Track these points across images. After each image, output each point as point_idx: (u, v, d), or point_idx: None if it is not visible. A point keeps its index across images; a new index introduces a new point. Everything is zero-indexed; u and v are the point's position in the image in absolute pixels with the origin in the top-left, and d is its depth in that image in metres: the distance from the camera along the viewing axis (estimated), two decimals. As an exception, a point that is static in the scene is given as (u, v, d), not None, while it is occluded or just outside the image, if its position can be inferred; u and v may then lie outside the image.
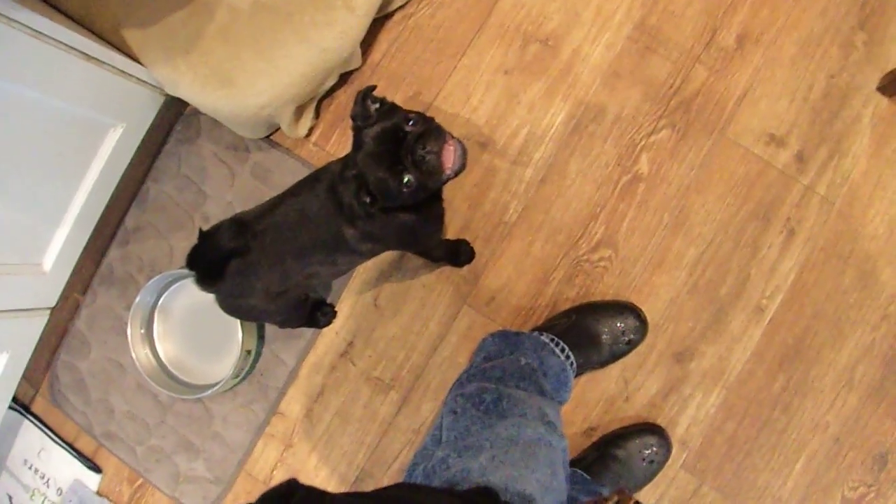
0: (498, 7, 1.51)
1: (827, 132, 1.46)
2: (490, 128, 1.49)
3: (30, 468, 1.63)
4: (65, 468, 1.60)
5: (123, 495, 1.59)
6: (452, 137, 1.03)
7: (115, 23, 1.37)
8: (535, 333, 1.37)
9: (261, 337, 1.53)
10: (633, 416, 1.46)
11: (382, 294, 1.51)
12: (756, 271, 1.45)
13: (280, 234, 1.13)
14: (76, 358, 1.60)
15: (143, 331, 1.53)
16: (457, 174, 1.04)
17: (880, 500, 1.45)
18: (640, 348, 1.44)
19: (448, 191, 1.27)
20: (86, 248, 1.53)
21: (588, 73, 1.49)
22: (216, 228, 1.14)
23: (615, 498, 1.35)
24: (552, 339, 1.34)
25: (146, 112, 1.50)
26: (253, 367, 1.53)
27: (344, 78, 1.52)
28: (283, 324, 1.45)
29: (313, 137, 1.54)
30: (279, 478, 1.53)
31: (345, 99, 1.54)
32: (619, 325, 1.40)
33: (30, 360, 1.53)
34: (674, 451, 1.43)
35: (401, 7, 1.52)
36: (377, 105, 1.05)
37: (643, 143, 1.47)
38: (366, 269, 1.50)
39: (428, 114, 1.05)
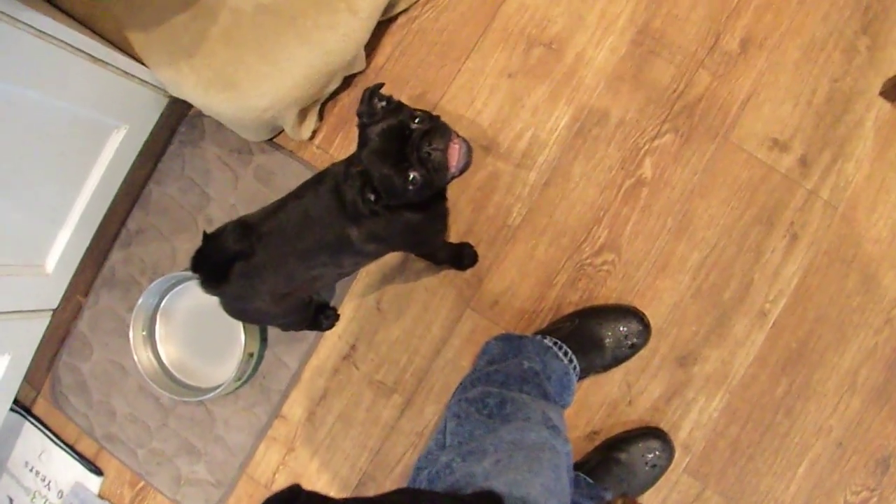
0: (502, 11, 1.51)
1: (830, 136, 1.46)
2: (494, 131, 1.49)
3: (31, 470, 1.62)
4: (66, 471, 1.60)
5: (125, 498, 1.58)
6: (458, 136, 1.03)
7: (119, 24, 1.37)
8: (539, 337, 1.37)
9: (263, 340, 1.53)
10: (636, 419, 1.46)
11: (385, 297, 1.51)
12: (759, 275, 1.45)
13: (284, 237, 1.13)
14: (78, 360, 1.60)
15: (145, 333, 1.52)
16: (462, 172, 1.04)
17: (883, 505, 1.45)
18: (643, 352, 1.44)
19: (452, 194, 1.27)
20: (88, 250, 1.53)
21: (592, 77, 1.49)
22: (220, 231, 1.13)
23: (619, 502, 1.36)
24: (555, 343, 1.34)
25: (150, 114, 1.50)
26: (255, 370, 1.52)
27: (348, 81, 1.52)
28: (286, 326, 1.45)
29: (317, 140, 1.54)
30: (281, 481, 1.53)
31: (348, 102, 1.54)
32: (622, 328, 1.40)
33: (31, 361, 1.53)
34: (677, 455, 1.43)
35: (405, 10, 1.52)
36: (384, 103, 1.05)
37: (647, 147, 1.47)
38: (369, 273, 1.50)
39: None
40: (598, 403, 1.46)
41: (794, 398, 1.45)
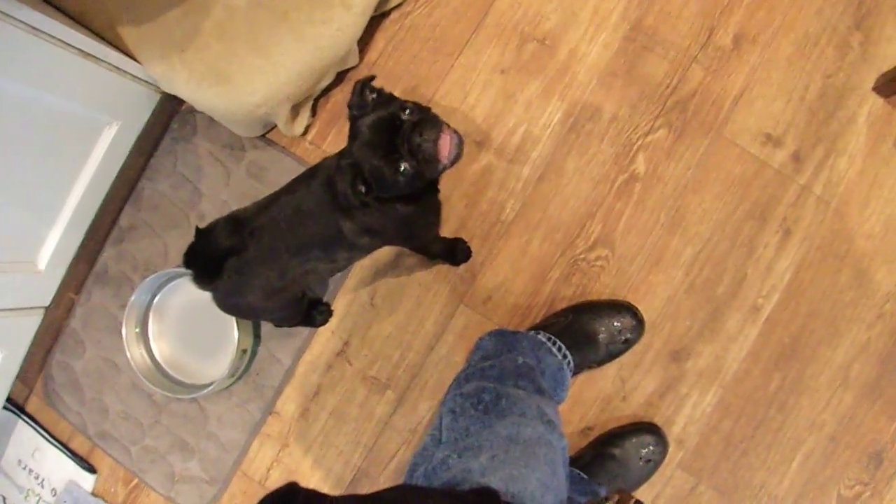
0: (495, 6, 1.51)
1: (823, 132, 1.46)
2: (487, 126, 1.49)
3: (24, 468, 1.61)
4: (59, 468, 1.59)
5: (118, 496, 1.58)
6: (448, 127, 1.02)
7: (111, 20, 1.36)
8: (532, 332, 1.37)
9: (256, 336, 1.53)
10: (630, 415, 1.46)
11: (378, 293, 1.50)
12: (752, 270, 1.46)
13: (277, 231, 1.12)
14: (71, 357, 1.59)
15: (137, 330, 1.52)
16: (453, 164, 1.03)
17: (876, 499, 1.45)
18: (637, 347, 1.44)
19: (445, 189, 1.27)
20: (80, 247, 1.53)
21: (585, 73, 1.49)
22: (213, 226, 1.13)
23: (616, 497, 1.36)
24: (549, 338, 1.34)
25: (142, 110, 1.50)
26: (248, 366, 1.52)
27: (341, 76, 1.52)
28: (279, 322, 1.45)
29: (309, 136, 1.54)
30: (275, 478, 1.52)
31: (341, 97, 1.54)
32: (615, 324, 1.40)
33: (24, 359, 1.52)
34: (670, 449, 1.43)
35: (398, 6, 1.52)
36: (374, 95, 1.04)
37: (640, 142, 1.47)
38: (362, 268, 1.50)
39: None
40: (592, 399, 1.46)
41: (787, 393, 1.45)
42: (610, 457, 1.39)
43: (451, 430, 1.08)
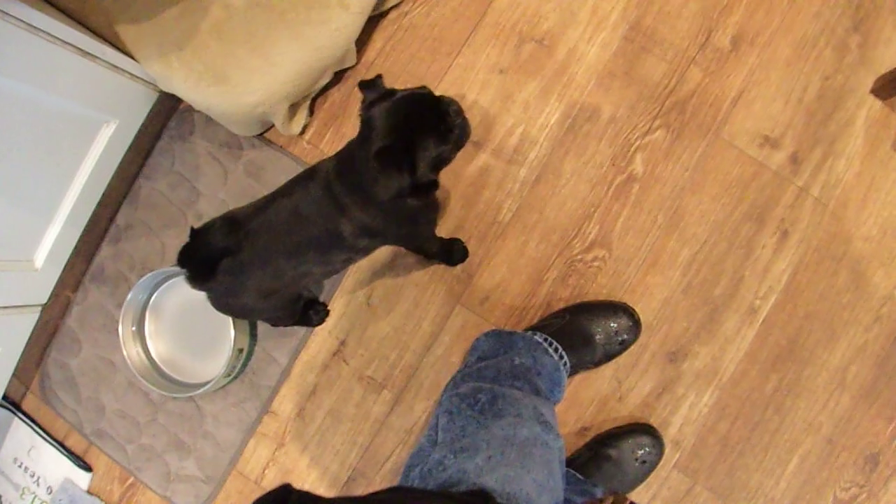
0: (493, 6, 1.51)
1: (821, 134, 1.46)
2: (485, 127, 1.49)
3: (20, 467, 1.61)
4: (55, 467, 1.59)
5: (114, 494, 1.58)
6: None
7: (109, 18, 1.36)
8: (529, 333, 1.37)
9: (253, 335, 1.52)
10: (627, 416, 1.46)
11: (375, 293, 1.50)
12: (750, 272, 1.46)
13: (273, 233, 1.12)
14: (67, 356, 1.59)
15: (134, 329, 1.52)
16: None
17: (872, 501, 1.45)
18: (634, 348, 1.44)
19: (442, 189, 1.26)
20: (77, 246, 1.52)
21: (583, 73, 1.49)
22: (208, 226, 1.13)
23: (610, 499, 1.36)
24: (545, 339, 1.34)
25: (139, 108, 1.50)
26: (245, 365, 1.52)
27: (339, 76, 1.52)
28: (275, 322, 1.45)
29: (307, 135, 1.54)
30: (271, 477, 1.52)
31: (339, 97, 1.53)
32: (612, 325, 1.40)
33: (20, 357, 1.52)
34: (667, 451, 1.43)
35: (396, 5, 1.52)
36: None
37: (638, 143, 1.47)
38: (359, 269, 1.50)
39: None
40: (588, 399, 1.46)
41: (783, 395, 1.45)
42: (606, 457, 1.39)
43: (447, 430, 1.08)
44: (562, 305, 1.46)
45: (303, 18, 1.34)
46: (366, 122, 1.05)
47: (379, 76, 1.08)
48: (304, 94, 1.45)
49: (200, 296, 1.21)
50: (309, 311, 1.47)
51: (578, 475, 1.37)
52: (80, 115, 1.36)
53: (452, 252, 1.46)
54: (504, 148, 1.49)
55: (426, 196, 1.12)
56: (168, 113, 1.57)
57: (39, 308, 1.52)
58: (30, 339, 1.52)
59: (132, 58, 1.38)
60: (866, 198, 1.46)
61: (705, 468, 1.45)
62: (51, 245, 1.45)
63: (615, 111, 1.48)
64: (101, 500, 1.58)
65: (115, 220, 1.58)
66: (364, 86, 1.08)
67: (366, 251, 1.24)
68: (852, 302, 1.46)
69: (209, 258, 1.12)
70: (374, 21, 1.51)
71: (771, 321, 1.46)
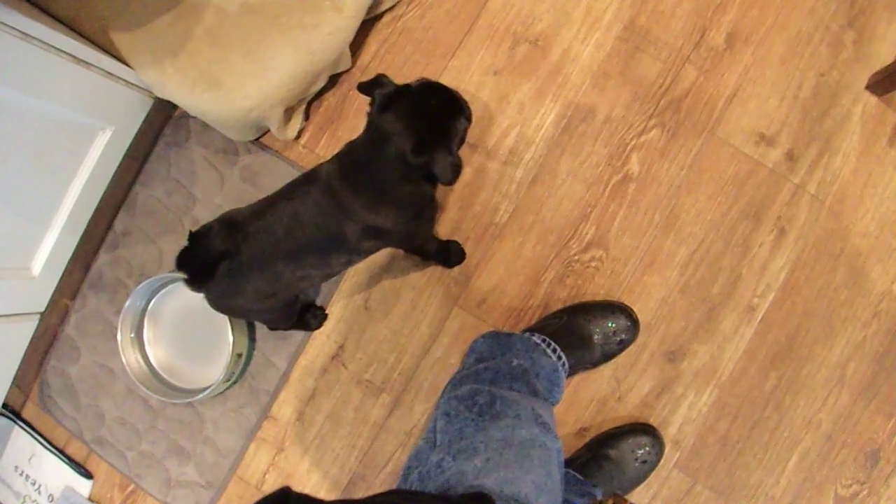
0: (487, 8, 1.51)
1: (817, 131, 1.46)
2: (480, 128, 1.49)
3: (21, 475, 1.61)
4: (56, 474, 1.59)
5: (115, 501, 1.58)
6: None
7: (103, 25, 1.36)
8: (527, 334, 1.37)
9: (252, 340, 1.52)
10: (626, 416, 1.46)
11: (373, 296, 1.50)
12: (747, 270, 1.46)
13: (272, 237, 1.12)
14: (66, 363, 1.59)
15: (132, 335, 1.52)
16: None
17: (873, 498, 1.45)
18: (632, 348, 1.44)
19: (438, 192, 1.26)
20: (75, 253, 1.52)
21: (578, 74, 1.49)
22: (206, 230, 1.13)
23: (610, 500, 1.36)
24: (544, 340, 1.34)
25: (135, 115, 1.50)
26: (244, 370, 1.52)
27: (333, 80, 1.52)
28: (272, 324, 1.45)
29: (303, 140, 1.54)
30: (271, 481, 1.52)
31: (334, 101, 1.54)
32: (610, 325, 1.40)
33: (19, 365, 1.52)
34: (666, 450, 1.43)
35: (390, 9, 1.52)
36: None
37: (633, 143, 1.47)
38: (356, 272, 1.50)
39: None
40: (587, 400, 1.46)
41: (783, 392, 1.45)
42: (606, 458, 1.39)
43: (445, 432, 1.08)
44: (560, 306, 1.46)
45: (296, 23, 1.35)
46: (384, 120, 1.07)
47: (380, 75, 1.10)
48: (299, 99, 1.45)
49: (199, 302, 1.21)
50: (307, 316, 1.47)
51: (578, 476, 1.37)
52: (76, 123, 1.36)
53: (449, 254, 1.46)
54: (500, 149, 1.49)
55: (434, 185, 1.17)
56: (164, 119, 1.57)
57: (38, 316, 1.52)
58: (28, 347, 1.52)
59: (127, 65, 1.38)
60: (863, 194, 1.46)
61: (705, 467, 1.45)
62: (48, 253, 1.44)
63: (610, 111, 1.48)
64: (102, 506, 1.58)
65: (112, 227, 1.58)
66: (367, 87, 1.10)
67: (367, 254, 1.25)
68: (850, 298, 1.46)
69: (207, 261, 1.12)
70: (368, 24, 1.51)
71: (769, 319, 1.45)
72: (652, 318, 1.46)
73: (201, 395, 1.44)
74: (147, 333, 1.54)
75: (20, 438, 1.61)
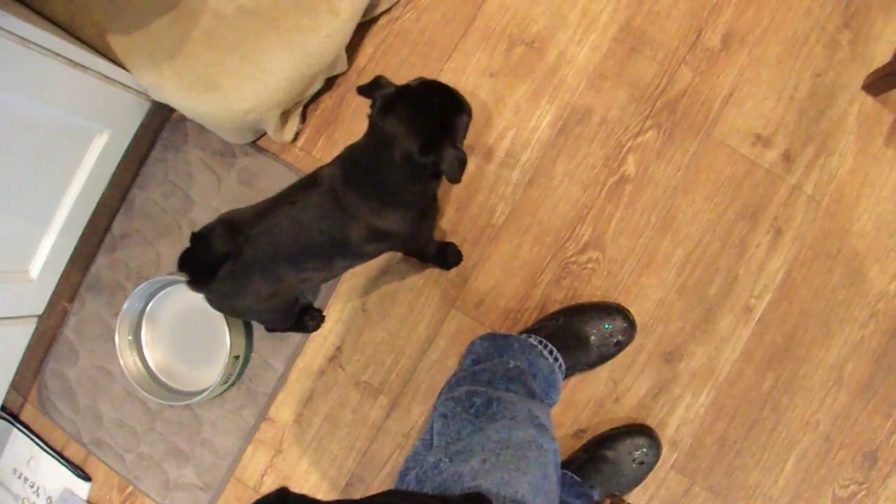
0: (483, 10, 1.51)
1: (813, 131, 1.46)
2: (476, 130, 1.49)
3: (19, 477, 1.62)
4: (54, 477, 1.59)
5: (113, 503, 1.58)
6: None
7: (100, 29, 1.37)
8: (524, 336, 1.37)
9: (249, 342, 1.53)
10: (623, 417, 1.46)
11: (370, 298, 1.51)
12: (744, 271, 1.46)
13: (275, 240, 1.12)
14: (64, 366, 1.60)
15: (130, 337, 1.52)
16: None
17: (871, 498, 1.45)
18: (629, 349, 1.44)
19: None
20: (73, 256, 1.53)
21: (574, 75, 1.49)
22: (208, 231, 1.12)
23: (608, 501, 1.36)
24: (540, 342, 1.34)
25: (132, 118, 1.50)
26: (241, 372, 1.52)
27: (330, 82, 1.52)
28: (271, 325, 1.45)
29: (300, 142, 1.54)
30: (269, 483, 1.52)
31: (331, 103, 1.54)
32: (606, 326, 1.40)
33: (17, 368, 1.52)
34: (664, 451, 1.43)
35: (386, 11, 1.52)
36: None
37: (629, 144, 1.47)
38: (353, 275, 1.50)
39: None
40: (584, 401, 1.46)
41: (780, 393, 1.45)
42: (603, 459, 1.39)
43: (442, 434, 1.08)
44: (556, 308, 1.46)
45: (293, 25, 1.35)
46: (387, 122, 1.07)
47: (379, 77, 1.10)
48: (296, 101, 1.46)
49: (196, 304, 1.21)
50: (304, 317, 1.47)
51: (576, 477, 1.37)
52: (73, 126, 1.37)
53: (446, 255, 1.46)
54: (496, 151, 1.49)
55: (438, 181, 1.17)
56: (161, 122, 1.58)
57: (36, 319, 1.52)
58: (27, 349, 1.52)
59: (124, 68, 1.38)
60: (860, 194, 1.46)
61: (703, 468, 1.45)
62: (46, 255, 1.45)
63: (606, 112, 1.48)
64: (101, 509, 1.58)
65: (110, 230, 1.59)
66: (366, 89, 1.10)
67: (369, 257, 1.25)
68: (848, 298, 1.46)
69: (209, 263, 1.12)
70: (364, 27, 1.51)
71: (766, 320, 1.45)
72: (649, 320, 1.46)
73: (199, 398, 1.44)
74: (145, 336, 1.54)
75: (18, 441, 1.61)
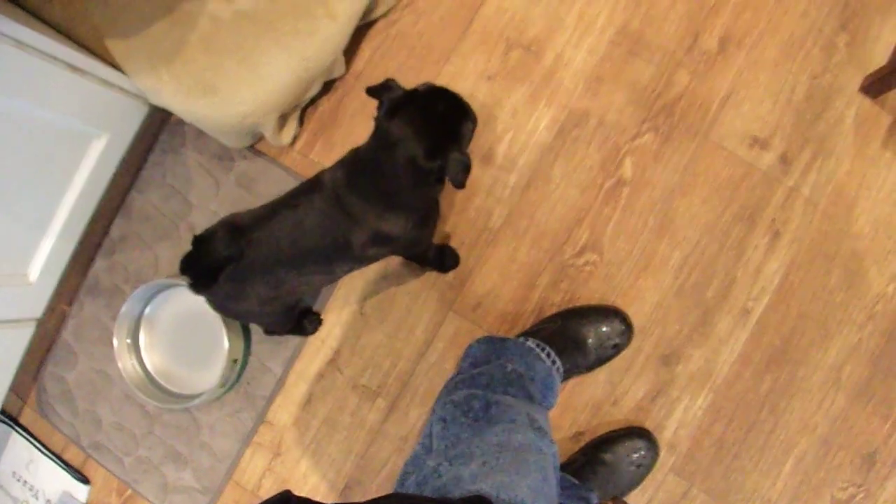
0: (480, 13, 1.51)
1: (810, 133, 1.46)
2: (474, 134, 1.49)
3: (18, 480, 1.62)
4: (53, 480, 1.60)
5: (112, 506, 1.59)
6: None
7: (98, 33, 1.37)
8: (521, 339, 1.37)
9: (247, 346, 1.53)
10: (621, 419, 1.46)
11: (368, 302, 1.51)
12: (742, 273, 1.46)
13: (277, 244, 1.13)
14: (63, 369, 1.60)
15: (129, 341, 1.52)
16: None
17: (870, 500, 1.45)
18: (627, 352, 1.44)
19: (432, 197, 1.27)
20: (72, 259, 1.53)
21: (571, 78, 1.49)
22: (209, 234, 1.13)
23: (607, 504, 1.36)
24: (538, 345, 1.34)
25: (130, 122, 1.50)
26: (240, 376, 1.52)
27: (327, 86, 1.52)
28: (270, 327, 1.46)
29: (297, 146, 1.54)
30: (267, 486, 1.52)
31: (328, 107, 1.54)
32: (604, 329, 1.40)
33: (17, 371, 1.53)
34: (662, 454, 1.43)
35: (384, 15, 1.52)
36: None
37: (627, 147, 1.47)
38: (351, 278, 1.50)
39: None
40: (582, 404, 1.46)
41: (778, 395, 1.45)
42: (601, 462, 1.39)
43: (441, 437, 1.08)
44: (554, 311, 1.46)
45: (290, 29, 1.35)
46: (393, 125, 1.07)
47: (389, 80, 1.10)
48: (294, 105, 1.46)
49: (195, 307, 1.22)
50: (303, 321, 1.48)
51: (574, 480, 1.37)
52: (72, 130, 1.37)
53: (444, 259, 1.46)
54: (493, 154, 1.49)
55: (442, 184, 1.18)
56: (159, 126, 1.58)
57: (35, 322, 1.53)
58: (26, 353, 1.53)
59: (122, 72, 1.38)
60: (857, 196, 1.46)
61: (701, 471, 1.45)
62: (45, 258, 1.45)
63: (603, 115, 1.48)
64: (100, 512, 1.59)
65: (108, 233, 1.59)
66: (376, 91, 1.11)
67: (370, 261, 1.25)
68: (845, 301, 1.46)
69: (211, 266, 1.12)
70: (362, 30, 1.51)
71: (764, 322, 1.45)
72: (646, 322, 1.46)
73: (197, 401, 1.45)
74: (143, 339, 1.55)
75: (18, 444, 1.61)
